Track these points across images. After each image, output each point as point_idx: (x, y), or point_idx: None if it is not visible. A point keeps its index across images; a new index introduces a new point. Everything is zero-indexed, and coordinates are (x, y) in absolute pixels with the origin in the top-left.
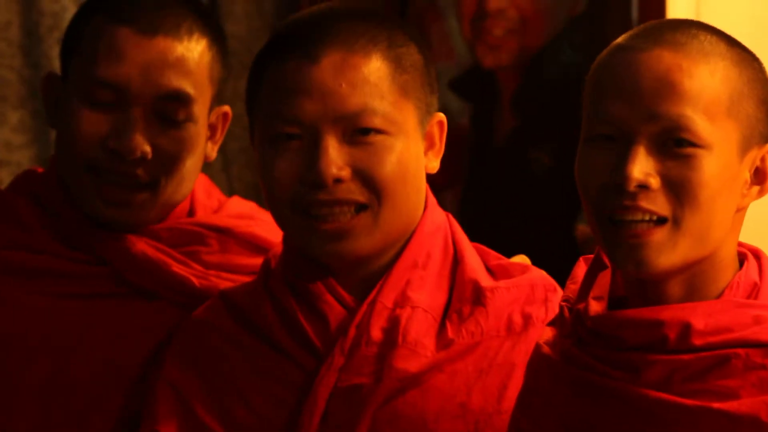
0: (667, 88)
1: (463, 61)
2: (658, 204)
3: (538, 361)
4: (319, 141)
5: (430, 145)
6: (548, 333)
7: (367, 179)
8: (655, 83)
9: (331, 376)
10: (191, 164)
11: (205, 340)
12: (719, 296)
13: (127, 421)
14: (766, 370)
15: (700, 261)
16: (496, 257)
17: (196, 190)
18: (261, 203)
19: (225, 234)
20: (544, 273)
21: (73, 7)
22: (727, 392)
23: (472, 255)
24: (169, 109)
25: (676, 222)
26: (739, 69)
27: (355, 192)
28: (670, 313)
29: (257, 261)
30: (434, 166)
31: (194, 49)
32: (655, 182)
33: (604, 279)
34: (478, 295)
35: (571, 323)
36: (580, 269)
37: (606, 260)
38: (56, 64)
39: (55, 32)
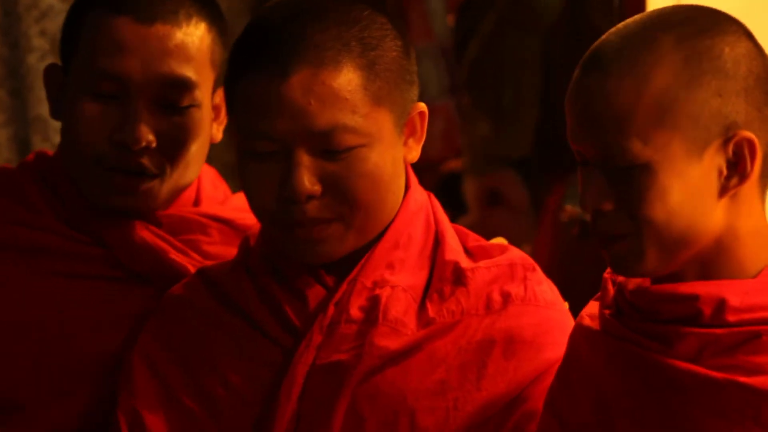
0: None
1: (444, 41)
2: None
3: (578, 332)
4: (291, 157)
5: (410, 133)
6: (592, 307)
7: (341, 194)
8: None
9: (309, 353)
10: (196, 149)
11: (182, 317)
12: (757, 275)
13: (110, 400)
14: None
15: (694, 251)
16: (475, 238)
17: (203, 180)
18: (237, 183)
19: (226, 225)
20: (522, 252)
21: None
22: (754, 368)
23: (452, 236)
24: (173, 97)
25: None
26: (675, 74)
27: (327, 209)
28: (706, 288)
29: None
30: (415, 155)
31: (194, 34)
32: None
33: None
34: (458, 276)
35: (613, 295)
36: None
37: None
38: (34, 43)
39: (33, 11)
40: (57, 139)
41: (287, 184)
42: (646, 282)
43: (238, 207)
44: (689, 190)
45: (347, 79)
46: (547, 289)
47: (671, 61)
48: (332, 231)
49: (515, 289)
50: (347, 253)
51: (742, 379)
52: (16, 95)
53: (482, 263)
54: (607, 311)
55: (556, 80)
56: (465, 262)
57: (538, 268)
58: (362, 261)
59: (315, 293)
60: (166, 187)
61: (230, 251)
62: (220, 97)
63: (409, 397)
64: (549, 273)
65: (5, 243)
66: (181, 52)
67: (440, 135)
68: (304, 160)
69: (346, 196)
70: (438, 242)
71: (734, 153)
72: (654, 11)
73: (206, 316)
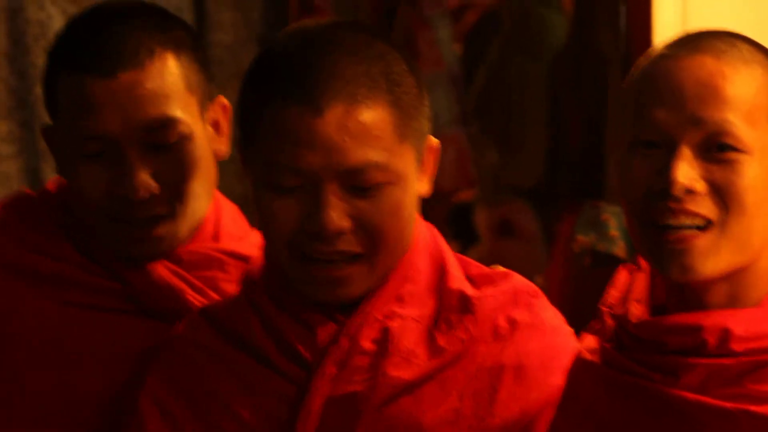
0: (711, 94)
1: (452, 69)
2: (704, 207)
3: (578, 367)
4: (321, 192)
5: (423, 170)
6: (590, 341)
7: (368, 231)
8: (699, 89)
9: (324, 386)
10: (202, 178)
11: (187, 357)
12: (759, 304)
13: None
14: None
15: (743, 268)
16: (476, 266)
17: (223, 215)
18: (249, 214)
19: (245, 262)
20: (525, 279)
21: (59, 16)
22: (763, 396)
23: (455, 265)
24: (159, 138)
25: (721, 226)
26: None
27: (353, 243)
28: (710, 319)
29: None
30: (427, 189)
31: (161, 69)
32: (700, 187)
33: (641, 282)
34: (465, 304)
35: (614, 329)
36: (621, 276)
37: (644, 266)
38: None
39: (41, 41)
40: None
41: (316, 220)
42: (645, 315)
43: (256, 244)
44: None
45: (379, 116)
46: (552, 315)
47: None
48: (354, 270)
49: (521, 315)
50: (363, 295)
51: (754, 408)
52: (25, 126)
53: (488, 291)
54: (607, 345)
55: (564, 107)
56: (470, 290)
57: (541, 294)
58: (374, 295)
59: (324, 327)
60: (182, 226)
61: None
62: (215, 111)
63: (424, 426)
64: (561, 303)
65: (21, 270)
66: (152, 93)
67: (452, 165)
68: (335, 195)
69: (373, 233)
70: (443, 272)
71: None
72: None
73: (212, 354)
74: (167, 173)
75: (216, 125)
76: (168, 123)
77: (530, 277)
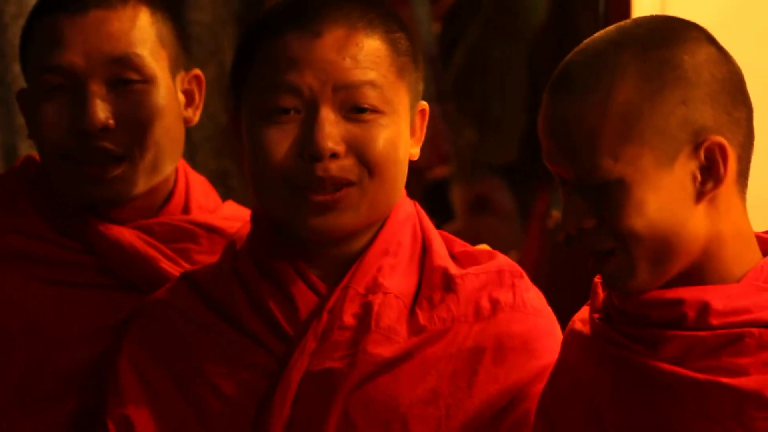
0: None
1: (430, 48)
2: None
3: (570, 337)
4: (316, 113)
5: (412, 133)
6: (584, 312)
7: (361, 156)
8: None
9: (303, 360)
10: (162, 129)
11: (167, 322)
12: (741, 279)
13: (98, 408)
14: None
15: (685, 261)
16: (461, 245)
17: (193, 188)
18: (225, 192)
19: (217, 234)
20: (509, 259)
21: None
22: (737, 369)
23: (439, 243)
24: (120, 73)
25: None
26: (637, 88)
27: (347, 169)
28: (691, 293)
29: None
30: (415, 153)
31: (130, 15)
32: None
33: None
34: (448, 282)
35: (603, 300)
36: None
37: None
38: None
39: (20, 20)
40: None
41: (311, 141)
42: None
43: (228, 216)
44: (665, 199)
45: (377, 45)
46: (534, 296)
47: (632, 76)
48: (347, 194)
49: (504, 296)
50: (354, 230)
51: (725, 380)
52: (2, 103)
53: (471, 270)
54: (596, 315)
55: (542, 87)
56: (453, 269)
57: (525, 275)
58: (353, 267)
59: (306, 300)
60: (140, 172)
61: None
62: (188, 79)
63: (401, 404)
64: (536, 279)
65: None
66: (120, 31)
67: (427, 141)
68: (330, 117)
69: (367, 160)
70: (426, 249)
71: (706, 158)
72: (616, 26)
73: (193, 320)
74: (125, 112)
75: (189, 95)
76: (129, 59)
77: (506, 253)
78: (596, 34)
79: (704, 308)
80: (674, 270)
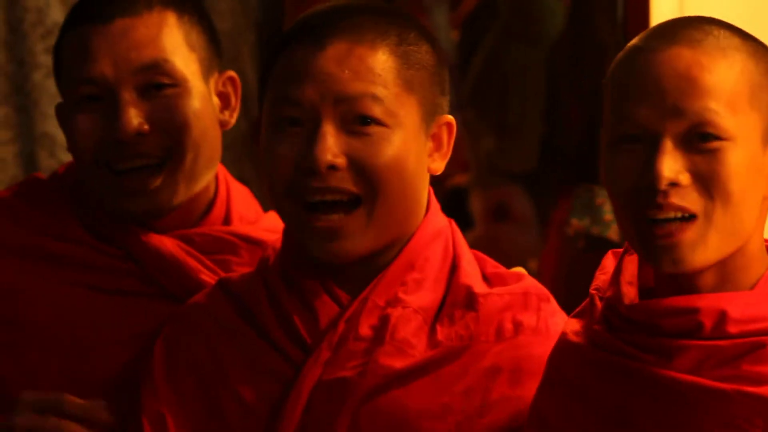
0: (690, 85)
1: (448, 56)
2: (689, 200)
3: (563, 350)
4: (317, 127)
5: (437, 147)
6: (574, 324)
7: (362, 170)
8: (677, 81)
9: (316, 369)
10: (198, 132)
11: (198, 326)
12: (753, 287)
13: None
14: None
15: (733, 253)
16: (493, 265)
17: (234, 199)
18: (264, 203)
19: (257, 245)
20: (537, 282)
21: (56, 3)
22: (759, 378)
23: (470, 261)
24: (150, 79)
25: (707, 217)
26: (755, 61)
27: (348, 181)
28: (706, 301)
29: None
30: (439, 167)
31: (156, 21)
32: (684, 179)
33: (632, 265)
34: (470, 301)
35: (602, 311)
36: (609, 261)
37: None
38: (40, 60)
39: (39, 28)
40: (63, 155)
41: (310, 154)
42: (635, 297)
43: (269, 227)
44: (753, 176)
45: (382, 59)
46: (559, 321)
47: (749, 51)
48: (352, 219)
49: (528, 318)
50: (365, 254)
51: (750, 389)
52: (22, 112)
53: (495, 290)
54: (597, 327)
55: (561, 94)
56: (479, 287)
57: (552, 299)
58: (375, 280)
59: (327, 309)
60: (179, 181)
61: None
62: (224, 84)
63: (410, 418)
64: (555, 287)
65: (34, 253)
66: (147, 38)
67: None
68: (329, 130)
69: (368, 175)
70: (455, 267)
71: None
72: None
73: (223, 326)
74: (160, 117)
75: (224, 97)
76: (161, 66)
77: (525, 261)
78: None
79: (722, 316)
80: (728, 251)
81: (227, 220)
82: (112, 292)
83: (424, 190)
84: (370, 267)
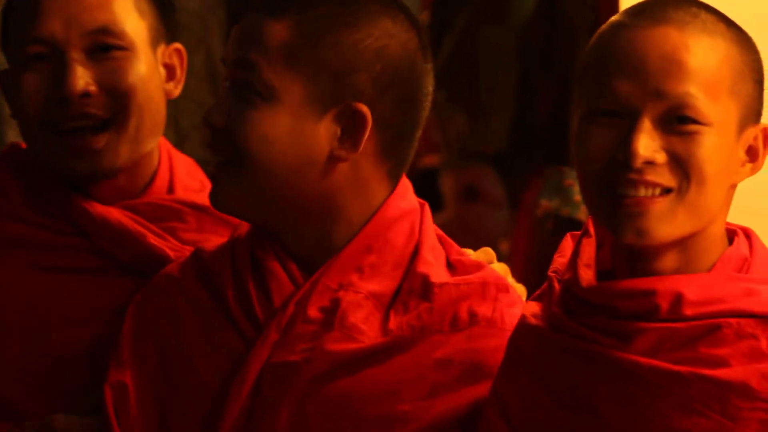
0: (674, 67)
1: None
2: (664, 177)
3: (523, 332)
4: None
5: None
6: (533, 307)
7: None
8: (662, 61)
9: (264, 350)
10: (143, 97)
11: (166, 295)
12: (710, 269)
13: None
14: (756, 339)
15: (694, 234)
16: (458, 252)
17: (177, 169)
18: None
19: (203, 212)
20: (497, 272)
21: None
22: (716, 360)
23: (433, 248)
24: (99, 42)
25: (679, 193)
26: (739, 49)
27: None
28: (663, 283)
29: None
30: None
31: None
32: (660, 157)
33: (590, 248)
34: (426, 290)
35: (560, 294)
36: (567, 243)
37: (592, 231)
38: None
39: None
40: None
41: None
42: (593, 279)
43: None
44: (726, 162)
45: (277, 29)
46: (517, 313)
47: (733, 38)
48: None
49: (483, 309)
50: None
51: (707, 371)
52: None
53: (452, 280)
54: (555, 309)
55: (532, 75)
56: (437, 276)
57: (512, 289)
58: (330, 261)
59: (281, 289)
60: (123, 142)
61: (207, 238)
62: (170, 55)
63: (356, 405)
64: (526, 268)
65: None
66: (98, 1)
67: None
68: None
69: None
70: (416, 253)
71: (750, 145)
72: None
73: (188, 297)
74: (106, 79)
75: (170, 68)
76: (111, 30)
77: (495, 242)
78: None
79: (677, 299)
80: (691, 230)
81: (171, 190)
82: (67, 270)
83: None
84: (324, 244)
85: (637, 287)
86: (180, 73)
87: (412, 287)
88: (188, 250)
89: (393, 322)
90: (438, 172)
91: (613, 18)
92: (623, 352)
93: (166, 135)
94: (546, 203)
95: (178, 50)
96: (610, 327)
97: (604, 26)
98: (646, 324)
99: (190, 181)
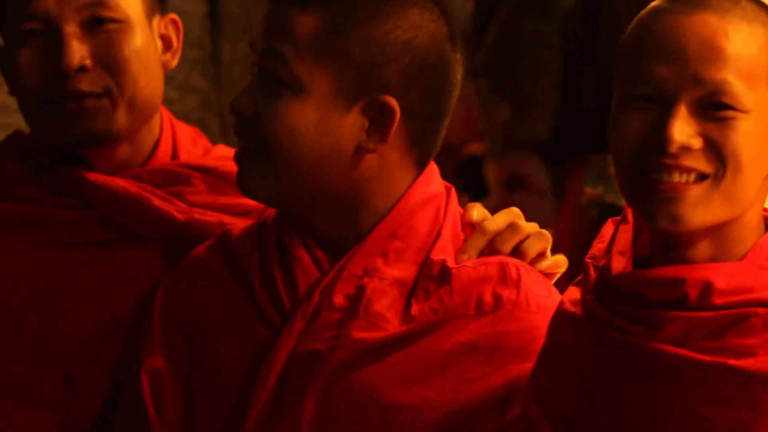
0: (712, 53)
1: (463, 25)
2: (700, 162)
3: (560, 318)
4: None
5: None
6: (573, 292)
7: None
8: (701, 47)
9: (291, 339)
10: (140, 69)
11: (194, 280)
12: (742, 258)
13: (123, 372)
14: None
15: (729, 222)
16: None
17: (180, 136)
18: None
19: (209, 174)
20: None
21: None
22: (743, 350)
23: (450, 233)
24: (93, 15)
25: (715, 179)
26: None
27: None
28: (692, 272)
29: (244, 201)
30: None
31: None
32: (696, 143)
33: (626, 235)
34: (443, 273)
35: (595, 281)
36: (608, 229)
37: (630, 218)
38: None
39: None
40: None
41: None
42: (628, 268)
43: (220, 156)
44: (764, 149)
45: (305, 21)
46: (542, 293)
47: None
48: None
49: (508, 292)
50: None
51: (732, 361)
52: None
53: (469, 263)
54: (588, 296)
55: (575, 63)
56: (452, 261)
57: (531, 269)
58: (355, 247)
59: (307, 276)
60: (121, 108)
61: (216, 200)
62: (166, 26)
63: (382, 392)
64: (571, 256)
65: None
66: None
67: (460, 118)
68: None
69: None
70: (438, 238)
71: None
72: None
73: (214, 281)
74: (101, 52)
75: (166, 39)
76: (103, 1)
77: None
78: None
79: (707, 288)
80: (726, 218)
81: (174, 157)
82: (76, 245)
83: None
84: (350, 230)
85: (667, 276)
86: (176, 44)
87: (430, 272)
88: (197, 212)
89: (415, 308)
90: (482, 160)
91: (653, 3)
92: (651, 341)
93: (210, 122)
94: (590, 191)
95: (173, 21)
96: (639, 315)
97: (643, 11)
98: (674, 313)
99: (193, 147)
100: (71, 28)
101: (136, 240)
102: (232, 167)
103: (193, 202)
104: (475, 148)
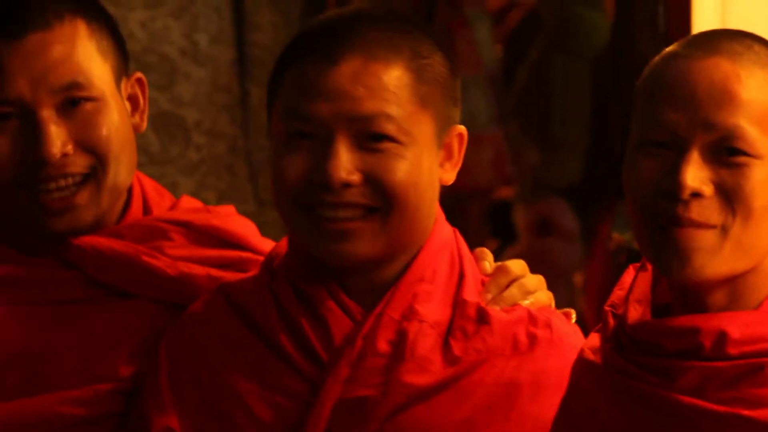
0: (725, 98)
1: (492, 70)
2: (708, 213)
3: (580, 365)
4: (330, 142)
5: (447, 157)
6: (594, 339)
7: (378, 185)
8: (712, 91)
9: (336, 387)
10: (119, 146)
11: (199, 338)
12: (758, 306)
13: (109, 426)
14: None
15: (746, 272)
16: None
17: (148, 190)
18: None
19: (186, 227)
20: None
21: None
22: (757, 400)
23: (474, 274)
24: (68, 97)
25: (726, 230)
26: None
27: (362, 196)
28: (707, 321)
29: (222, 253)
30: (450, 177)
31: (68, 34)
32: (708, 190)
33: (644, 282)
34: (481, 315)
35: (613, 329)
36: (628, 276)
37: (648, 266)
38: None
39: None
40: None
41: (323, 169)
42: (646, 316)
43: (189, 209)
44: None
45: (396, 75)
46: (570, 332)
47: None
48: (367, 224)
49: (541, 331)
50: (374, 259)
51: (746, 412)
52: None
53: (498, 309)
54: (607, 345)
55: (605, 107)
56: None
57: (556, 311)
58: (389, 293)
59: (341, 325)
60: (104, 192)
61: (195, 252)
62: (131, 85)
63: None
64: (601, 301)
65: None
66: (62, 55)
67: (490, 163)
68: (344, 147)
69: (383, 188)
70: (462, 279)
71: None
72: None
73: (227, 336)
74: (80, 134)
75: (133, 99)
76: (78, 83)
77: (569, 275)
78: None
79: (721, 337)
80: (739, 268)
81: (147, 211)
82: (56, 303)
83: (435, 201)
84: (379, 277)
85: (682, 325)
86: (143, 102)
87: (465, 313)
88: (182, 266)
89: (458, 349)
90: (511, 204)
91: (667, 49)
92: (667, 390)
93: (238, 167)
94: (618, 236)
95: (139, 80)
96: (655, 365)
97: (657, 57)
98: (690, 362)
99: (161, 199)
100: (47, 113)
101: (120, 296)
102: (206, 220)
103: (174, 256)
104: (504, 192)
